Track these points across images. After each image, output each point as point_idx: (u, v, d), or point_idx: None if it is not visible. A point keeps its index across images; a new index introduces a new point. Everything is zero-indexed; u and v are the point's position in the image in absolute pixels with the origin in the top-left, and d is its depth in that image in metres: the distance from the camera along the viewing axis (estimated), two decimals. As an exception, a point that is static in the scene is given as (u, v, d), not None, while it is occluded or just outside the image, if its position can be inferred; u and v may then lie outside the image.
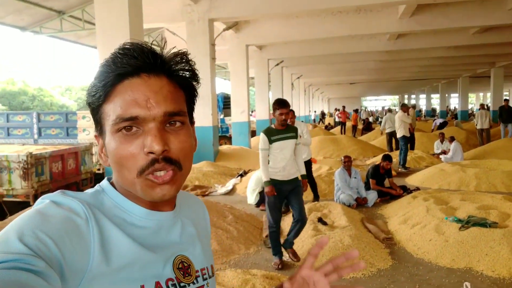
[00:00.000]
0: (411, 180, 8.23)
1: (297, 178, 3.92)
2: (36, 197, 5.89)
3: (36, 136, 8.29)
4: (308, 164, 5.92)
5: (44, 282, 0.51)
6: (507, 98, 14.04)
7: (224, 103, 16.97)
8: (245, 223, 5.04)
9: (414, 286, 3.53)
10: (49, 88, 35.15)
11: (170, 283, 0.68)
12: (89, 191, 0.71)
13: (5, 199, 5.94)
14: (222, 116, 17.39)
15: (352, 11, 11.63)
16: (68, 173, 6.73)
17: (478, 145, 12.86)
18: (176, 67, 0.70)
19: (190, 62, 0.72)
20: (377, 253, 4.12)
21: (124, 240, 0.64)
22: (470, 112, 31.70)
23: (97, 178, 7.60)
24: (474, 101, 50.38)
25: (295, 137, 3.89)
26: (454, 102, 43.61)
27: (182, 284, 0.70)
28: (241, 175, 8.49)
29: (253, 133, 17.67)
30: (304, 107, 30.81)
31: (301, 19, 12.19)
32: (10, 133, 8.49)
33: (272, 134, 3.82)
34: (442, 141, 11.03)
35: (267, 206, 3.91)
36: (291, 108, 5.00)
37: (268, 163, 3.87)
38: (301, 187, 3.94)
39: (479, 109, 14.03)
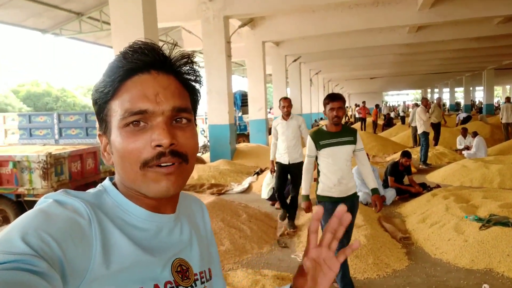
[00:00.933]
0: (432, 177, 8.02)
1: (355, 194, 3.14)
2: (55, 197, 6.02)
3: (57, 137, 8.43)
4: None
5: (46, 284, 0.50)
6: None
7: (242, 101, 16.96)
8: (259, 222, 5.00)
9: (431, 287, 3.42)
10: (72, 89, 36.04)
11: (168, 286, 0.68)
12: (91, 190, 0.71)
13: (26, 198, 6.09)
14: (240, 114, 17.41)
15: (370, 4, 11.41)
16: (87, 173, 6.84)
17: (503, 140, 12.43)
18: (183, 68, 0.72)
19: (195, 64, 0.73)
20: (393, 253, 4.02)
21: (125, 242, 0.64)
22: (496, 105, 30.72)
23: (115, 177, 7.72)
24: (500, 94, 48.83)
25: (353, 142, 3.06)
26: (479, 95, 42.28)
27: (180, 287, 0.70)
28: (258, 173, 8.46)
29: (270, 131, 17.65)
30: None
31: (318, 14, 12.03)
32: (33, 133, 8.68)
33: (322, 137, 3.04)
34: (464, 136, 10.71)
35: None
36: (284, 100, 4.95)
37: (319, 173, 3.15)
38: (357, 206, 3.22)
39: (505, 102, 13.56)
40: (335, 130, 3.04)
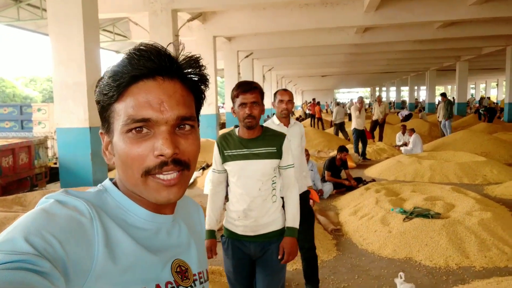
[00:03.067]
0: (369, 172, 8.41)
1: (274, 234, 2.11)
2: (-17, 193, 5.69)
3: (-12, 129, 7.98)
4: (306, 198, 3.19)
5: (49, 284, 0.50)
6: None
7: (194, 95, 16.80)
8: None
9: (354, 276, 3.62)
10: (12, 78, 33.88)
11: (169, 286, 0.69)
12: (91, 190, 0.71)
13: (-50, 195, 5.71)
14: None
15: (319, 4, 11.69)
16: (20, 168, 6.53)
17: (440, 137, 13.25)
18: (190, 72, 0.71)
19: (202, 67, 0.72)
20: (322, 245, 4.20)
21: (127, 241, 0.65)
22: (437, 104, 32.56)
23: (53, 172, 7.40)
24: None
25: (276, 154, 2.09)
26: (423, 94, 44.71)
27: None
28: (203, 168, 8.45)
29: (223, 125, 17.62)
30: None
31: (268, 11, 12.15)
32: (-39, 126, 8.15)
33: (228, 144, 2.13)
34: (403, 133, 11.30)
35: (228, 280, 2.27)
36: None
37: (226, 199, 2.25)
38: (276, 252, 2.08)
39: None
40: (249, 136, 2.09)
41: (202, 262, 0.81)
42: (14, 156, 6.36)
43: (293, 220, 2.12)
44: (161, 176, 0.66)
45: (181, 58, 0.70)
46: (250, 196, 2.07)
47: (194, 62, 0.71)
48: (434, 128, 15.39)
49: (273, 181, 2.12)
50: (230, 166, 2.12)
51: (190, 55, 0.71)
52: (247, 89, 2.02)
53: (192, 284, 0.74)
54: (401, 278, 3.19)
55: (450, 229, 4.16)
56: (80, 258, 0.58)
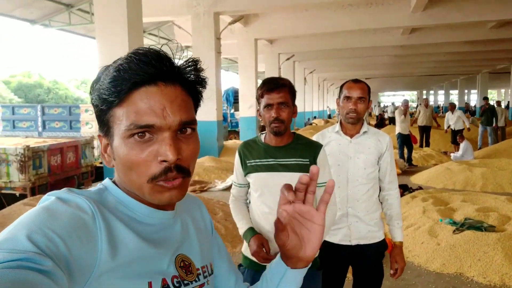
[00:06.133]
0: (416, 179, 8.01)
1: (312, 264, 1.45)
2: (33, 190, 5.95)
3: (40, 129, 8.39)
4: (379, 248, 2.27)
5: (52, 282, 0.50)
6: None
7: (235, 98, 16.94)
8: (235, 220, 4.96)
9: (398, 291, 3.40)
10: (65, 81, 35.83)
11: (175, 280, 0.70)
12: (92, 189, 0.71)
13: (3, 191, 6.02)
14: (232, 111, 17.38)
15: (363, 4, 11.37)
16: (67, 166, 6.78)
17: (492, 143, 12.47)
18: (190, 76, 0.71)
19: (201, 69, 0.72)
20: (364, 255, 3.99)
21: (131, 236, 0.65)
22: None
23: (98, 171, 7.66)
24: (495, 97, 49.04)
25: (309, 166, 1.67)
26: (474, 98, 42.47)
27: (185, 282, 0.72)
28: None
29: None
30: (318, 102, 30.52)
31: (310, 12, 11.98)
32: (16, 125, 8.62)
33: (251, 153, 1.82)
34: (452, 112, 11.01)
35: None
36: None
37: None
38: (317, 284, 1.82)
39: (496, 106, 13.59)
40: (276, 144, 1.78)
41: (206, 256, 0.82)
42: (62, 155, 6.62)
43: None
44: (164, 181, 0.67)
45: (180, 61, 0.70)
46: (275, 216, 1.61)
47: (193, 65, 0.71)
48: (485, 133, 14.49)
49: None
50: (253, 178, 1.78)
51: (189, 58, 0.71)
52: (273, 87, 1.68)
53: (196, 278, 0.75)
54: (451, 295, 2.95)
55: (506, 243, 3.82)
56: (83, 255, 0.57)
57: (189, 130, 0.69)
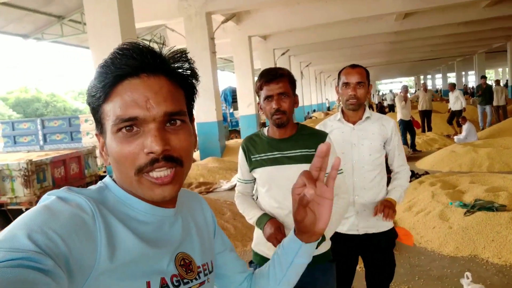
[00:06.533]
0: (421, 164, 7.97)
1: (324, 256, 1.73)
2: (39, 204, 5.93)
3: (41, 143, 8.37)
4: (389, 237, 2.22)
5: (51, 281, 0.50)
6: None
7: (233, 97, 16.91)
8: (244, 219, 4.93)
9: (414, 278, 3.36)
10: (62, 93, 35.83)
11: (174, 279, 0.69)
12: (93, 187, 0.72)
13: (9, 207, 6.00)
14: (231, 110, 17.34)
15: (354, -7, 11.30)
16: (71, 178, 6.75)
17: (494, 123, 12.40)
18: (176, 66, 0.70)
19: (190, 60, 0.72)
20: (377, 244, 3.96)
21: (129, 236, 0.65)
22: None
23: (102, 180, 7.62)
24: (493, 77, 48.86)
25: (310, 156, 1.66)
26: (472, 79, 42.31)
27: (185, 281, 0.71)
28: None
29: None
30: (317, 95, 30.44)
31: (302, 5, 11.92)
32: (17, 141, 8.60)
33: (255, 148, 1.76)
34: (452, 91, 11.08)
35: None
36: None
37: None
38: (330, 275, 1.76)
39: (495, 85, 13.51)
40: (280, 136, 1.72)
41: (206, 254, 0.81)
42: (66, 166, 6.59)
43: (332, 229, 1.73)
44: (154, 174, 0.65)
45: (166, 53, 0.69)
46: (284, 210, 1.66)
47: (179, 56, 0.70)
48: (484, 114, 14.43)
49: None
50: (259, 173, 1.73)
51: (175, 49, 0.71)
52: (272, 77, 1.62)
53: (197, 276, 0.75)
54: (468, 278, 2.90)
55: (519, 222, 3.79)
56: (83, 254, 0.57)
57: (178, 122, 0.68)
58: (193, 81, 0.74)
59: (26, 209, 5.06)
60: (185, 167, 0.70)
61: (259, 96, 1.70)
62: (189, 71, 0.72)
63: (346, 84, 2.00)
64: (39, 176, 6.03)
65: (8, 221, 5.95)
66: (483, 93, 12.56)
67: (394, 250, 3.90)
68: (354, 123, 2.06)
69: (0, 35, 10.55)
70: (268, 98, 1.65)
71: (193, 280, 0.73)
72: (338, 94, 2.10)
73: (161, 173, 0.65)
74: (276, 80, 1.62)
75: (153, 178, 0.65)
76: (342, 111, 2.11)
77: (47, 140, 8.37)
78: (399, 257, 3.79)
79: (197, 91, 0.76)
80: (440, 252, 3.78)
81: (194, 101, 0.76)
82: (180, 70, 0.71)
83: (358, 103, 2.00)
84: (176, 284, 0.69)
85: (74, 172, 6.83)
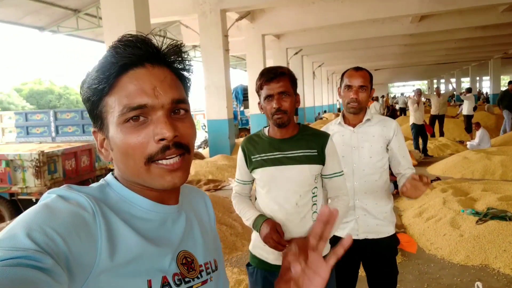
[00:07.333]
0: (432, 170, 7.86)
1: None
2: (49, 195, 5.99)
3: (53, 134, 8.45)
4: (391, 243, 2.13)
5: (51, 280, 0.50)
6: None
7: (244, 95, 16.90)
8: (252, 218, 4.92)
9: (423, 285, 3.32)
10: (76, 86, 36.25)
11: (176, 278, 0.68)
12: (94, 185, 0.71)
13: (20, 197, 6.07)
14: (242, 109, 17.34)
15: (371, -6, 11.20)
16: (82, 170, 6.81)
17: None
18: (175, 59, 0.71)
19: (186, 53, 0.73)
20: (386, 249, 3.92)
21: (130, 234, 0.64)
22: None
23: (112, 174, 7.68)
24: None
25: (317, 158, 1.65)
26: (487, 85, 41.69)
27: (187, 279, 0.71)
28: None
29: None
30: (328, 96, 30.30)
31: (317, 5, 11.85)
32: (30, 132, 8.70)
33: (255, 148, 1.72)
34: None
35: None
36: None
37: None
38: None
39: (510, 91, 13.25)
40: (281, 136, 1.68)
41: (209, 252, 0.80)
42: (77, 159, 6.64)
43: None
44: (164, 162, 0.66)
45: (164, 46, 0.70)
46: (284, 212, 1.62)
47: (177, 49, 0.71)
48: (501, 121, 14.20)
49: (313, 193, 1.66)
50: (259, 173, 1.67)
51: (172, 42, 0.71)
52: (272, 76, 1.58)
53: (199, 275, 0.74)
54: (478, 288, 2.86)
55: (532, 233, 3.71)
56: (83, 253, 0.57)
57: (182, 112, 0.69)
58: (188, 74, 0.75)
59: (36, 200, 5.11)
60: (191, 154, 0.70)
61: (259, 95, 1.67)
62: (185, 64, 0.73)
63: (349, 87, 1.97)
64: (50, 168, 6.08)
65: (18, 211, 6.02)
66: (505, 98, 12.31)
67: (403, 256, 3.87)
68: (354, 126, 2.04)
69: (17, 27, 10.67)
70: (268, 97, 1.62)
71: (195, 279, 0.72)
72: (339, 96, 2.07)
73: (171, 160, 0.66)
74: (277, 79, 1.59)
75: (163, 165, 0.65)
76: (343, 115, 2.08)
77: (59, 132, 8.45)
78: (408, 263, 3.75)
79: (191, 84, 0.77)
80: (450, 260, 3.72)
81: (189, 95, 0.77)
82: (178, 63, 0.72)
83: (359, 106, 1.96)
84: (178, 282, 0.69)
85: (84, 164, 6.89)
